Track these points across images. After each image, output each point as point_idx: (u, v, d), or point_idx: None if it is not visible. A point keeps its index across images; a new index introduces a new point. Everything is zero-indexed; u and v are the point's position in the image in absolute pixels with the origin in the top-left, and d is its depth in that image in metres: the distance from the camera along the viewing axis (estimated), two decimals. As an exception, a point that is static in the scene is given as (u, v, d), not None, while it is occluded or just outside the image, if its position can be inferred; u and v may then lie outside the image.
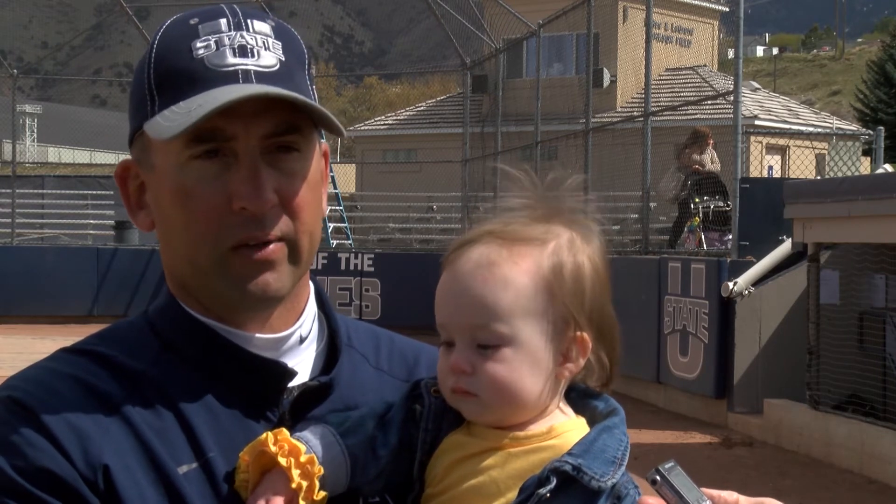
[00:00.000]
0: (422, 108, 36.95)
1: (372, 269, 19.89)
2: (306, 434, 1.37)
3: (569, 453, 1.32)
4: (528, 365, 1.35)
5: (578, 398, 1.43)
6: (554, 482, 1.30)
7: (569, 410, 1.42)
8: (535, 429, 1.38)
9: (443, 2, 23.12)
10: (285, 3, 27.85)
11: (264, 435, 1.34)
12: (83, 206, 26.04)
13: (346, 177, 32.55)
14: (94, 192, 26.07)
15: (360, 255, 20.13)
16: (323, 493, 1.34)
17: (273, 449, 1.33)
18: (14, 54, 51.88)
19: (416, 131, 33.59)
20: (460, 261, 1.37)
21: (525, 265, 1.36)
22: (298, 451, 1.34)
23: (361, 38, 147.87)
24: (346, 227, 24.99)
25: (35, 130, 47.49)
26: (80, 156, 48.54)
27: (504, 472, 1.35)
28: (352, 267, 19.85)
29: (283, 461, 1.33)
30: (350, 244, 23.60)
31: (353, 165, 34.04)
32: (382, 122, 36.85)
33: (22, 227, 24.16)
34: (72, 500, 1.27)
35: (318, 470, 1.34)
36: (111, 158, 43.50)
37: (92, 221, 25.52)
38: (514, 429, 1.38)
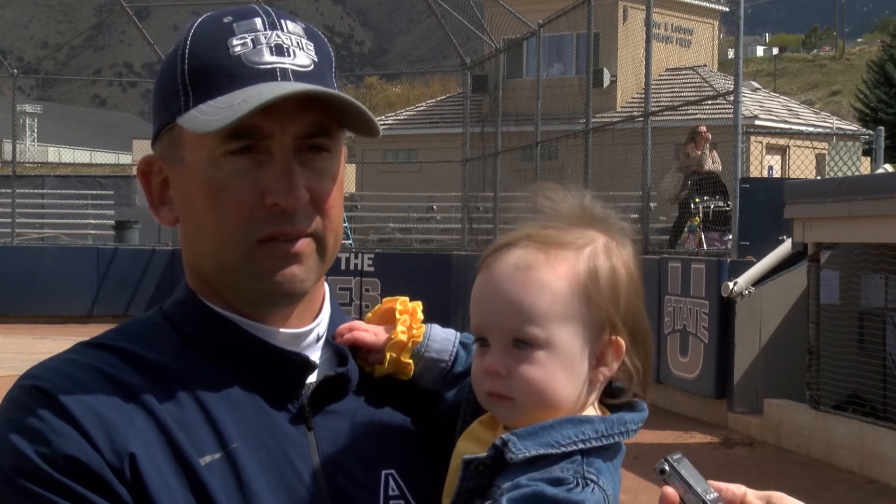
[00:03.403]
0: (422, 108, 36.93)
1: (372, 269, 19.88)
2: (434, 325, 1.50)
3: (513, 431, 1.32)
4: (562, 368, 1.34)
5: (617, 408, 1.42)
6: (489, 454, 1.31)
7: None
8: None
9: (443, 2, 23.12)
10: (285, 2, 27.84)
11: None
12: (83, 206, 26.05)
13: (346, 177, 32.50)
14: (94, 192, 26.11)
15: (360, 255, 20.13)
16: (409, 361, 1.47)
17: (397, 305, 1.50)
18: (14, 54, 51.91)
19: (416, 131, 33.56)
20: (497, 263, 1.37)
21: (562, 269, 1.35)
22: (416, 313, 1.49)
23: (361, 38, 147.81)
24: (346, 227, 24.95)
25: (35, 130, 47.48)
26: (80, 156, 48.54)
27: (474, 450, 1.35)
28: (352, 267, 19.85)
29: (399, 311, 1.49)
30: (350, 244, 23.61)
31: (353, 165, 33.99)
32: (382, 122, 36.62)
33: (22, 227, 24.15)
34: (98, 489, 1.27)
35: (420, 329, 1.47)
36: (111, 158, 43.54)
37: (92, 221, 25.53)
38: None
